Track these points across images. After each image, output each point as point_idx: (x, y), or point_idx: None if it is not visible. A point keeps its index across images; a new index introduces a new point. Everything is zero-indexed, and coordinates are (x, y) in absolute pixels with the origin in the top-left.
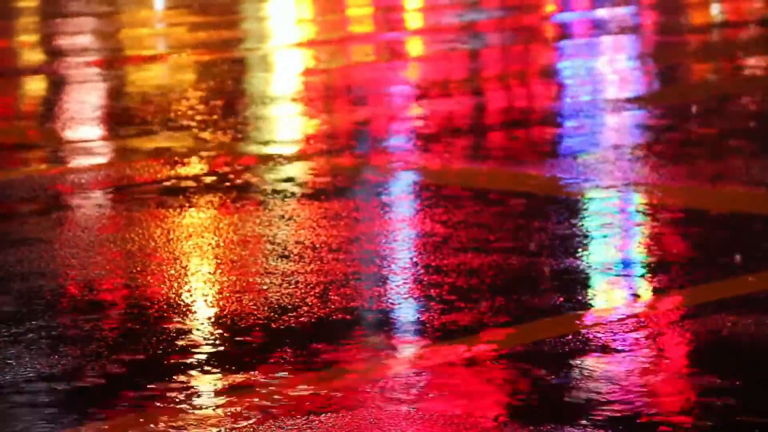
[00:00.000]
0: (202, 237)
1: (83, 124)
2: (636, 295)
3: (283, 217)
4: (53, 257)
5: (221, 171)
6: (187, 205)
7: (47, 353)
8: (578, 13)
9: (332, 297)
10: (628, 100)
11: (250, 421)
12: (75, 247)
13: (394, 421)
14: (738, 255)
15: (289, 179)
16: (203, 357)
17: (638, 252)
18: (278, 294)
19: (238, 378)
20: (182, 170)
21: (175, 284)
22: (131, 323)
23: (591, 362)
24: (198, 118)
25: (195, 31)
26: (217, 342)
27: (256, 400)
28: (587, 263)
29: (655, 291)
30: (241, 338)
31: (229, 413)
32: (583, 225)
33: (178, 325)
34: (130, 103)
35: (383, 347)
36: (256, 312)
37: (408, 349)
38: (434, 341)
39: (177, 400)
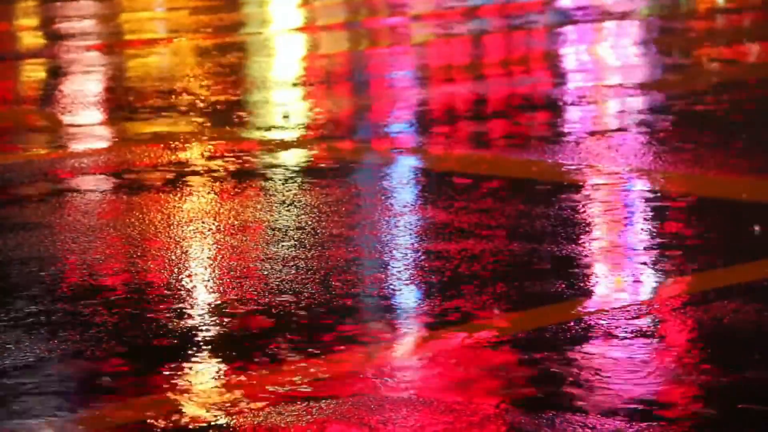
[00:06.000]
0: (203, 222)
1: (84, 108)
2: (638, 282)
3: (284, 202)
4: (53, 242)
5: (222, 156)
6: (187, 190)
7: (47, 338)
8: None
9: (333, 283)
10: (632, 86)
11: (250, 407)
12: (75, 231)
13: (395, 407)
14: (741, 242)
15: (290, 164)
16: (203, 342)
17: (641, 239)
18: (279, 280)
19: (238, 363)
20: (183, 155)
21: (176, 269)
22: (131, 308)
23: (593, 349)
24: (199, 103)
25: (196, 14)
26: (217, 327)
27: (256, 386)
28: (589, 250)
29: (658, 278)
30: (242, 324)
31: (228, 399)
32: (585, 211)
33: (178, 311)
34: (131, 88)
35: (384, 334)
36: (256, 298)
37: (409, 335)
38: (435, 327)
39: (176, 385)
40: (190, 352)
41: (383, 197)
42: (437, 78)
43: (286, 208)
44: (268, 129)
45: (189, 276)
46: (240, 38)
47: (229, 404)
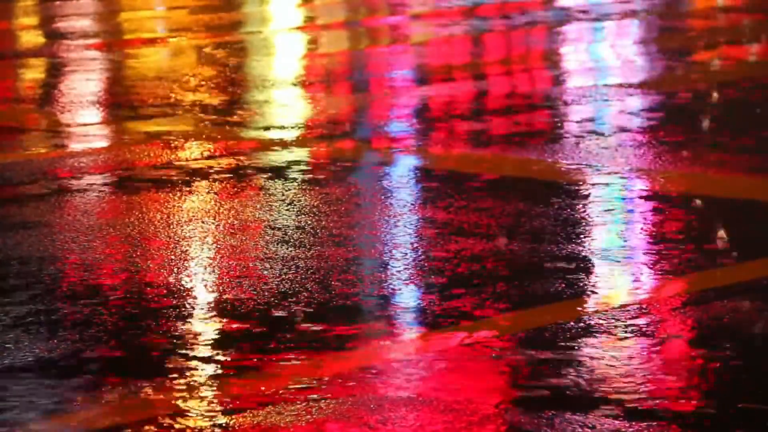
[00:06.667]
0: (202, 222)
1: (83, 107)
2: (638, 282)
3: (283, 202)
4: (52, 241)
5: (221, 155)
6: (186, 189)
7: (46, 337)
8: None
9: (332, 283)
10: (631, 86)
11: (249, 407)
12: (74, 230)
13: (395, 407)
14: (740, 242)
15: (290, 164)
16: (202, 342)
17: (640, 238)
18: (278, 279)
19: (237, 364)
20: (182, 154)
21: (175, 269)
22: (130, 308)
23: (592, 349)
24: (199, 102)
25: (196, 14)
26: (217, 327)
27: (255, 385)
28: (589, 249)
29: (657, 277)
30: (241, 324)
31: (227, 399)
32: (585, 211)
33: (178, 310)
34: (130, 87)
35: (384, 333)
36: (255, 297)
37: (409, 335)
38: (435, 327)
39: (175, 385)
40: (189, 351)
41: (383, 197)
42: (437, 77)
43: (286, 208)
44: (268, 128)
45: (188, 276)
46: (240, 37)
47: (228, 404)
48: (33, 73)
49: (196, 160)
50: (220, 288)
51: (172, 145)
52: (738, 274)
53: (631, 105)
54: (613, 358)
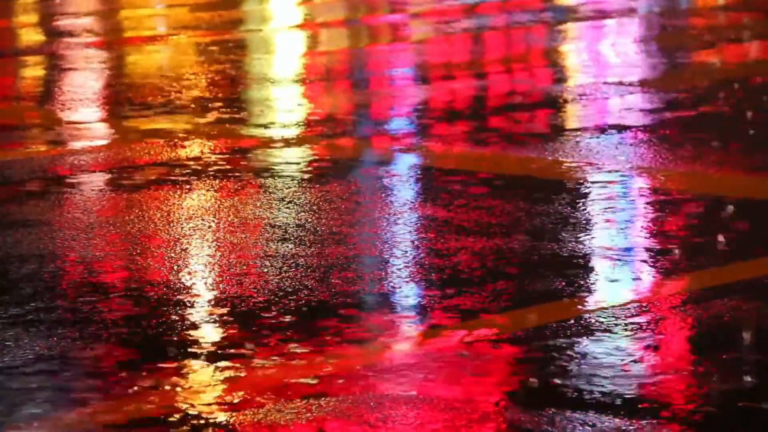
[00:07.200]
0: (202, 219)
1: (83, 105)
2: (638, 280)
3: (283, 199)
4: (52, 239)
5: (221, 153)
6: (186, 187)
7: (46, 335)
8: None
9: (333, 280)
10: (632, 84)
11: (250, 405)
12: (74, 228)
13: (395, 404)
14: (741, 240)
15: (290, 162)
16: (202, 340)
17: (641, 236)
18: (278, 277)
19: (237, 361)
20: (182, 152)
21: (175, 267)
22: (130, 306)
23: (592, 347)
24: (199, 99)
25: (196, 11)
26: (217, 325)
27: (255, 384)
28: (589, 248)
29: (658, 276)
30: (241, 321)
31: (228, 397)
32: (585, 209)
33: (178, 308)
34: (130, 85)
35: (384, 331)
36: (255, 295)
37: (408, 332)
38: (435, 325)
39: (175, 383)
40: (189, 349)
41: (383, 195)
42: (437, 75)
43: (286, 206)
44: (268, 126)
45: (188, 273)
46: (239, 35)
47: (228, 402)
48: (33, 70)
49: (196, 157)
50: (220, 286)
51: (172, 142)
52: (738, 273)
53: (631, 103)
54: (613, 356)
